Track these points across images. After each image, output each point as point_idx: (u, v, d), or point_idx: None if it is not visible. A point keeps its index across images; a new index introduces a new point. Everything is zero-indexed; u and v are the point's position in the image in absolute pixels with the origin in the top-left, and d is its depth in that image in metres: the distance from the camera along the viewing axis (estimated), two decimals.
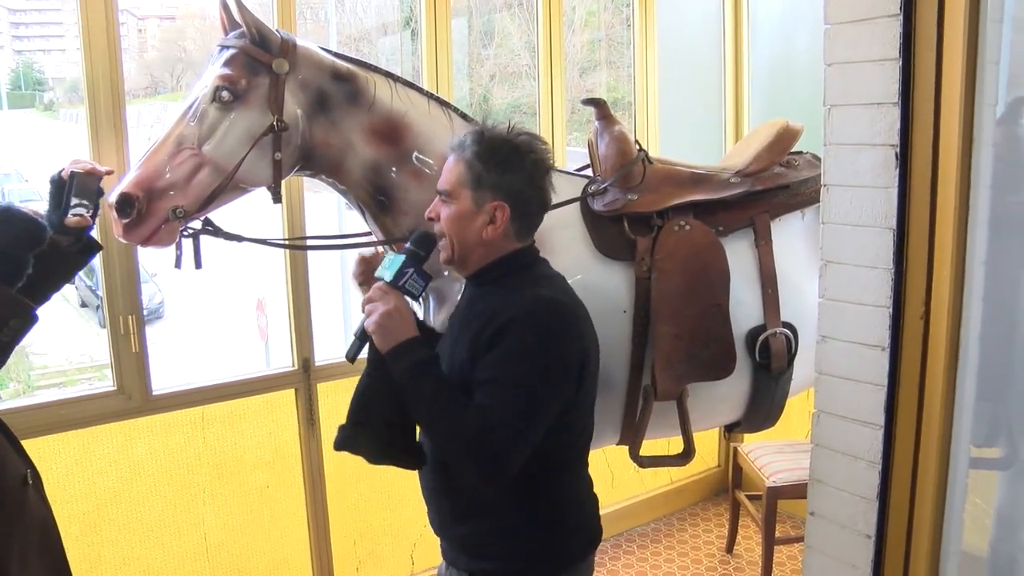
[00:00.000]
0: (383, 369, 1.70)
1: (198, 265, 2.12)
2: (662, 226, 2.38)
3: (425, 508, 1.89)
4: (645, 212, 2.38)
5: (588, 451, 1.86)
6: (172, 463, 2.72)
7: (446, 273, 2.13)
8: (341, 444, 1.79)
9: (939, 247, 1.79)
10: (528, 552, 1.76)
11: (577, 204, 2.38)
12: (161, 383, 2.66)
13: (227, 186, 2.05)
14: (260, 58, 2.05)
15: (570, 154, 3.53)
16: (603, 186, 2.40)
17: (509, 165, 1.69)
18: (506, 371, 1.61)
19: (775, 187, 2.51)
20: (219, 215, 2.14)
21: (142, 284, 2.61)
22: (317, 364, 2.92)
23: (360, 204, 2.26)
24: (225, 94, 2.03)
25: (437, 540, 1.89)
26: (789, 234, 2.52)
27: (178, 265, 2.12)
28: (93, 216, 1.94)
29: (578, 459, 1.83)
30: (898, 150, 1.82)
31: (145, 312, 2.65)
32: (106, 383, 2.64)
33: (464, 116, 2.30)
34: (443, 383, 1.65)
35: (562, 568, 1.81)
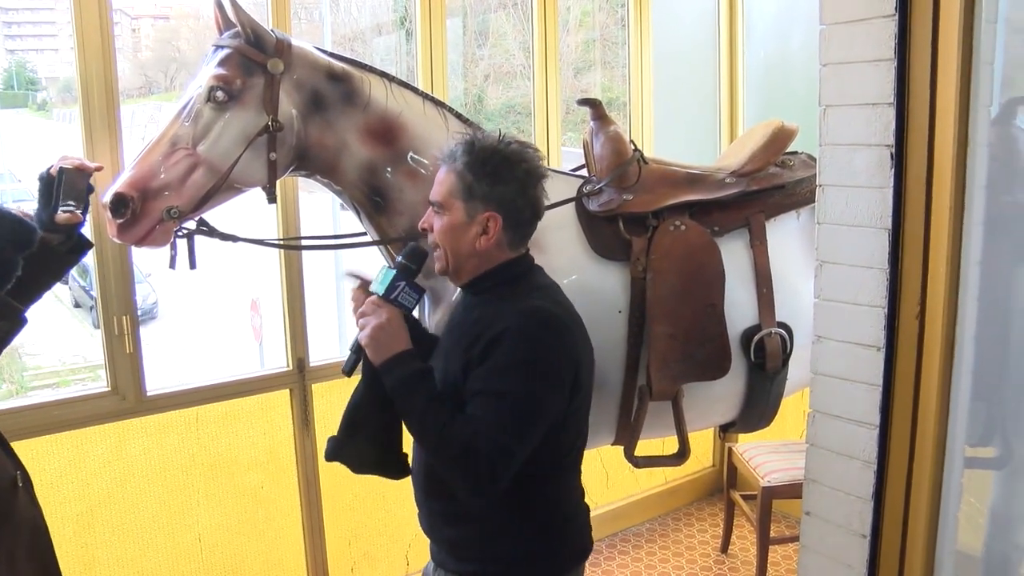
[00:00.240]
0: (376, 381, 1.71)
1: (192, 265, 2.11)
2: (657, 226, 2.38)
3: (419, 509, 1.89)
4: (640, 212, 2.38)
5: (581, 460, 1.86)
6: (166, 464, 2.71)
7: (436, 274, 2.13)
8: (332, 455, 1.81)
9: (934, 247, 1.79)
10: (517, 555, 1.76)
11: (572, 204, 2.38)
12: (155, 384, 2.65)
13: (222, 186, 2.04)
14: (255, 58, 2.05)
15: (565, 154, 3.53)
16: (598, 186, 2.40)
17: (500, 175, 1.69)
18: (497, 383, 1.61)
19: (770, 187, 2.51)
20: (213, 215, 2.14)
21: (136, 284, 2.60)
22: (311, 365, 2.92)
23: (355, 204, 2.26)
24: (220, 94, 2.02)
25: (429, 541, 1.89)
26: (784, 234, 2.52)
27: (172, 265, 2.11)
28: (83, 213, 1.93)
29: (570, 468, 1.83)
30: (893, 150, 1.82)
31: (139, 312, 2.65)
32: (100, 384, 2.63)
33: (459, 116, 2.30)
34: (434, 395, 1.64)
35: (552, 572, 1.81)
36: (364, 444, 1.80)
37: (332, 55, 2.20)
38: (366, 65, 2.23)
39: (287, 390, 2.90)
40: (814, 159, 2.21)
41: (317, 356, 2.94)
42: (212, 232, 2.14)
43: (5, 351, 1.81)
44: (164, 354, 7.85)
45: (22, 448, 1.91)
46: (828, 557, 2.04)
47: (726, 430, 2.70)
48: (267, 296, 7.82)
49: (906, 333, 1.85)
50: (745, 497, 3.56)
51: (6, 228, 1.72)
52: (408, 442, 1.82)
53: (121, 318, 2.53)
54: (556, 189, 2.09)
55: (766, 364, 2.43)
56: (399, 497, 3.10)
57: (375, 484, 3.08)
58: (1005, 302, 1.88)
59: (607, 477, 3.76)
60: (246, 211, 2.36)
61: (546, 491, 1.75)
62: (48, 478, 2.46)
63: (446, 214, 1.71)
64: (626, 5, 3.75)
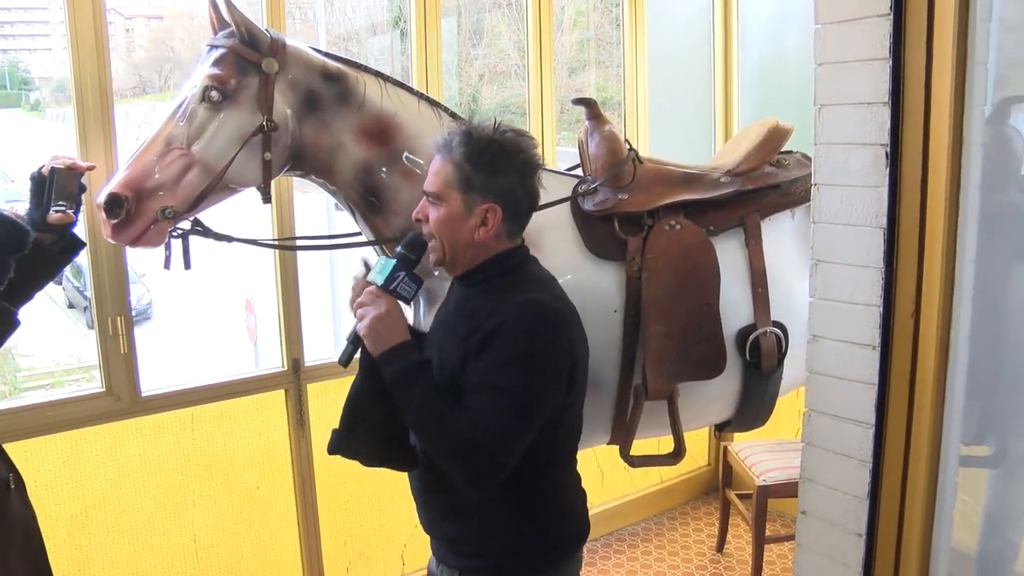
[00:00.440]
0: (375, 373, 1.69)
1: (187, 266, 2.11)
2: (652, 226, 2.38)
3: (415, 508, 1.89)
4: (635, 212, 2.38)
5: (576, 449, 1.86)
6: (161, 465, 2.70)
7: (436, 273, 2.12)
8: (335, 448, 1.78)
9: (929, 246, 1.79)
10: (516, 549, 1.76)
11: (567, 204, 2.38)
12: (150, 384, 2.64)
13: (216, 186, 2.04)
14: (249, 58, 2.05)
15: (560, 154, 3.53)
16: (593, 186, 2.40)
17: (499, 166, 1.68)
18: (495, 376, 1.60)
19: (765, 186, 2.51)
20: (208, 215, 2.13)
21: (130, 285, 2.59)
22: (307, 365, 2.91)
23: (350, 204, 2.25)
24: (214, 94, 2.02)
25: (427, 540, 1.89)
26: (779, 233, 2.53)
27: (167, 266, 2.11)
28: (75, 213, 1.93)
29: (567, 457, 1.83)
30: (888, 149, 1.82)
31: (133, 313, 2.64)
32: (94, 384, 2.62)
33: (454, 115, 2.30)
34: (433, 387, 1.64)
35: (551, 564, 1.81)
36: (366, 437, 1.78)
37: (327, 55, 2.19)
38: (361, 65, 2.22)
39: (282, 390, 2.90)
40: (809, 158, 2.21)
41: (312, 356, 2.94)
42: (207, 232, 2.13)
43: None
44: (159, 355, 7.82)
45: (16, 450, 1.91)
46: (824, 556, 2.04)
47: (721, 429, 2.70)
48: (262, 296, 7.82)
49: (901, 332, 1.86)
50: (741, 496, 3.57)
51: None
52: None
53: (115, 318, 2.52)
54: (551, 188, 2.09)
55: (761, 363, 2.43)
56: (395, 497, 3.10)
57: (371, 484, 3.09)
58: (999, 301, 1.88)
59: (603, 476, 3.77)
60: (241, 211, 2.36)
61: (543, 485, 1.75)
62: (42, 479, 2.46)
63: (443, 205, 1.69)
64: (621, 5, 3.76)
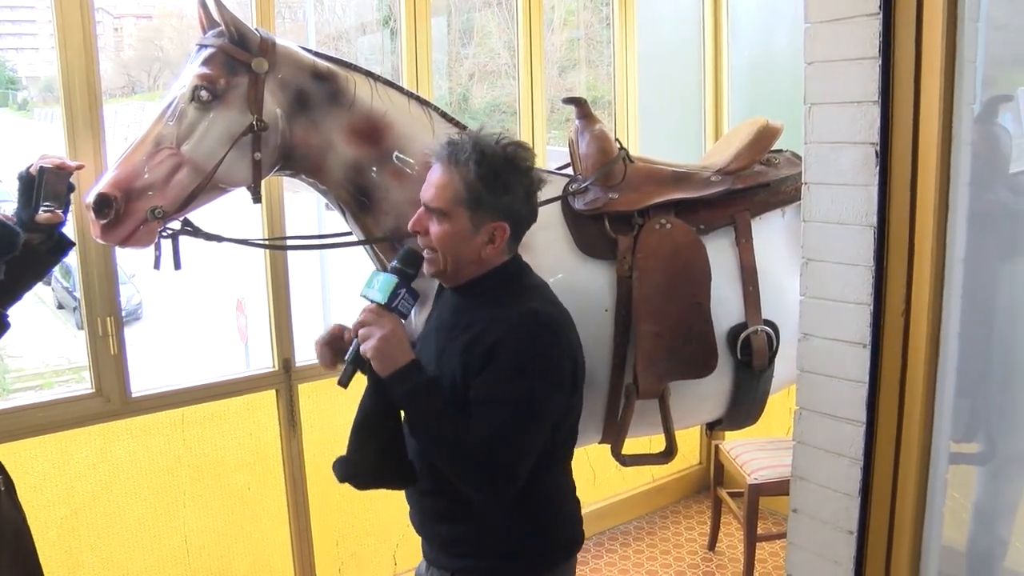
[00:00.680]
0: (380, 393, 1.66)
1: (177, 266, 2.10)
2: (643, 225, 2.38)
3: (407, 508, 1.89)
4: (626, 211, 2.38)
5: (572, 454, 1.86)
6: (152, 466, 2.69)
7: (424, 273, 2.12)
8: (347, 475, 1.72)
9: (919, 244, 1.80)
10: (509, 552, 1.77)
11: (558, 203, 2.38)
12: (140, 385, 2.63)
13: (206, 186, 2.03)
14: (239, 57, 2.04)
15: (550, 153, 3.54)
16: (584, 185, 2.40)
17: (509, 186, 1.67)
18: (503, 388, 1.60)
19: (756, 185, 2.52)
20: (198, 215, 2.13)
21: (120, 285, 2.58)
22: (298, 365, 2.91)
23: (340, 204, 2.25)
24: (204, 93, 2.01)
25: (419, 541, 1.89)
26: (770, 232, 2.53)
27: (157, 266, 2.10)
28: (64, 212, 1.92)
29: (563, 462, 1.84)
30: (878, 148, 1.83)
31: (123, 313, 2.63)
32: (84, 385, 2.61)
33: (445, 115, 2.29)
34: (446, 405, 1.63)
35: (546, 566, 1.81)
36: (376, 456, 1.72)
37: (317, 54, 2.19)
38: (351, 64, 2.22)
39: (273, 391, 2.89)
40: (799, 157, 2.21)
41: (303, 356, 2.92)
42: (197, 232, 2.12)
43: None
44: (149, 355, 7.79)
45: (5, 452, 1.90)
46: (815, 553, 2.04)
47: (713, 428, 2.70)
48: (252, 296, 7.79)
49: (891, 330, 1.86)
50: (732, 494, 3.57)
51: None
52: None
53: (105, 319, 2.51)
54: (542, 188, 2.09)
55: (752, 362, 2.44)
56: (387, 497, 3.07)
57: None
58: (988, 299, 1.89)
59: (594, 476, 3.77)
60: (231, 211, 2.35)
61: (539, 488, 1.75)
62: (31, 481, 2.44)
63: (447, 221, 1.66)
64: (611, 4, 3.76)
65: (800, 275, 2.03)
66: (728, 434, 3.63)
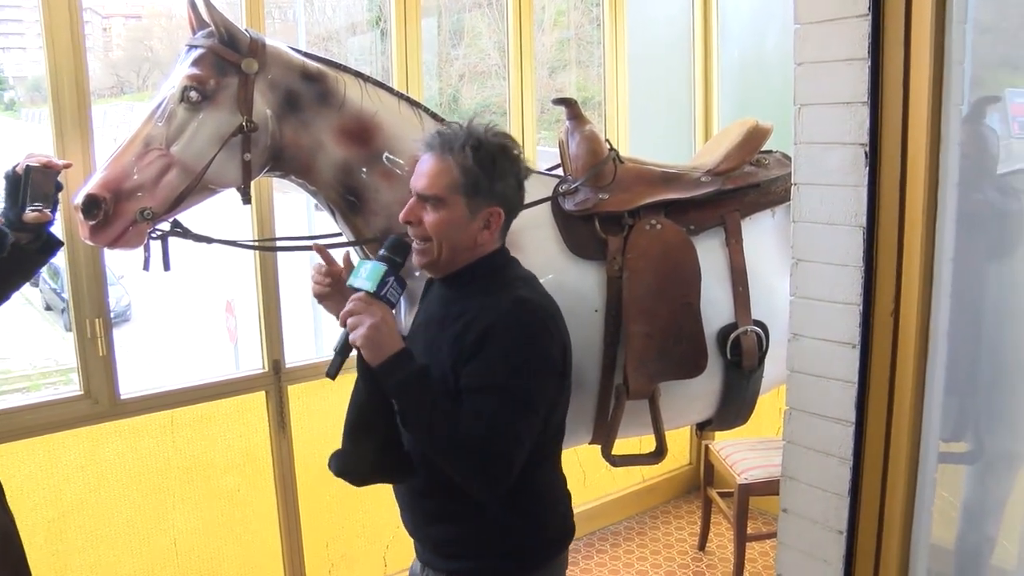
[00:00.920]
0: (372, 386, 1.65)
1: (166, 267, 2.10)
2: (633, 225, 2.39)
3: (397, 509, 1.88)
4: (616, 211, 2.39)
5: (561, 448, 1.86)
6: (141, 468, 2.68)
7: (417, 273, 2.11)
8: (342, 469, 1.71)
9: (908, 244, 1.80)
10: (502, 551, 1.76)
11: (548, 204, 2.38)
12: (129, 387, 2.62)
13: (196, 187, 2.02)
14: (229, 58, 2.03)
15: (540, 153, 3.54)
16: (574, 186, 2.41)
17: (504, 171, 1.68)
18: (495, 375, 1.60)
19: (745, 186, 2.53)
20: (187, 216, 2.12)
21: (109, 286, 2.57)
22: (287, 366, 2.90)
23: (330, 205, 2.25)
24: (193, 94, 2.00)
25: (410, 542, 1.88)
26: (760, 232, 2.54)
27: (146, 267, 2.09)
28: (52, 212, 1.90)
29: (553, 456, 1.83)
30: (867, 149, 1.83)
31: (112, 315, 2.61)
32: (72, 387, 2.59)
33: (434, 116, 2.29)
34: (439, 394, 1.61)
35: (537, 565, 1.81)
36: (371, 448, 1.70)
37: (306, 55, 2.18)
38: (341, 65, 2.21)
39: (263, 392, 2.88)
40: (789, 157, 2.23)
41: (293, 357, 2.92)
42: (186, 233, 2.12)
43: None
44: (138, 357, 7.77)
45: None
46: (805, 553, 2.05)
47: (703, 428, 2.71)
48: (242, 297, 7.77)
49: (881, 330, 1.87)
50: (722, 494, 3.58)
51: None
52: None
53: (94, 321, 2.50)
54: (532, 188, 2.09)
55: (742, 362, 2.44)
56: (377, 498, 3.08)
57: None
58: (977, 299, 1.90)
59: (584, 476, 3.77)
60: (220, 212, 2.34)
61: (530, 485, 1.73)
62: (19, 484, 2.43)
63: (444, 208, 1.66)
64: (601, 4, 3.76)
65: (790, 275, 2.04)
66: (718, 434, 3.63)
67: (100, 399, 2.54)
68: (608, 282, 2.35)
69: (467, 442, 1.57)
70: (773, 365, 2.47)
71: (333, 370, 1.65)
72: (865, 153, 1.84)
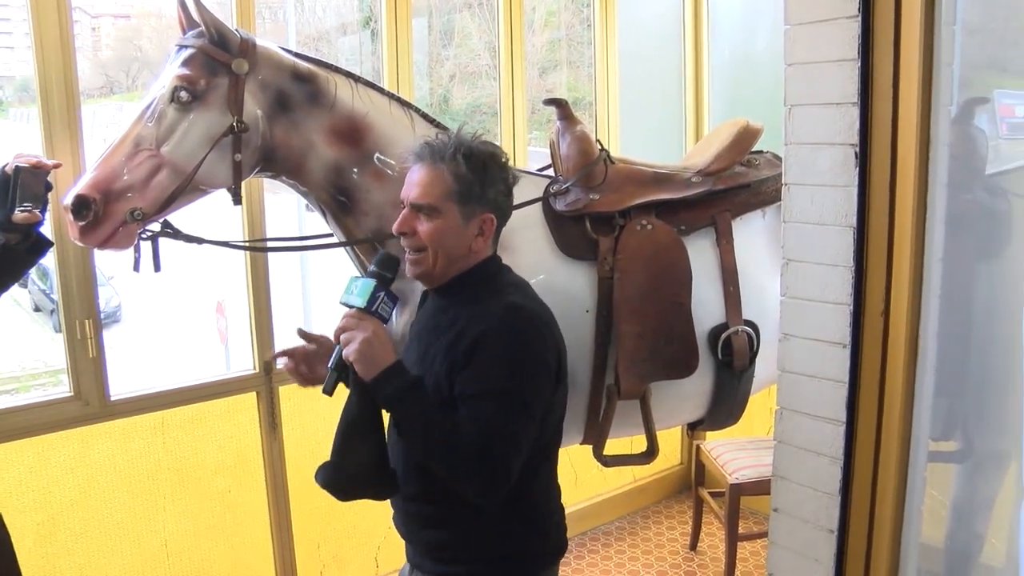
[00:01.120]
0: (365, 401, 1.65)
1: (157, 268, 2.09)
2: (624, 226, 2.39)
3: (388, 511, 1.88)
4: (607, 212, 2.39)
5: (557, 456, 1.86)
6: (131, 469, 2.67)
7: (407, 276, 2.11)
8: (331, 483, 1.69)
9: (898, 245, 1.81)
10: (495, 557, 1.76)
11: (539, 204, 2.38)
12: (119, 388, 2.61)
13: (186, 188, 2.01)
14: (219, 58, 2.03)
15: (531, 154, 3.54)
16: (565, 186, 2.41)
17: (495, 178, 1.70)
18: (490, 382, 1.60)
19: (736, 186, 2.53)
20: (178, 217, 2.11)
21: (99, 287, 2.56)
22: (278, 367, 2.89)
23: (321, 205, 2.24)
24: (183, 94, 2.00)
25: (401, 543, 1.88)
26: (750, 233, 2.55)
27: (136, 268, 2.08)
28: (42, 212, 1.89)
29: (548, 464, 1.83)
30: (857, 149, 1.84)
31: (102, 316, 2.60)
32: (62, 389, 2.58)
33: (425, 116, 2.29)
34: (433, 405, 1.62)
35: (530, 574, 1.81)
36: (362, 465, 1.70)
37: (297, 55, 2.18)
38: (332, 65, 2.21)
39: (254, 393, 2.87)
40: (779, 158, 2.23)
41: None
42: (177, 234, 2.11)
43: None
44: (128, 358, 7.74)
45: None
46: (796, 552, 2.05)
47: (694, 428, 2.71)
48: (233, 298, 7.75)
49: (871, 330, 1.88)
50: (713, 494, 3.58)
51: None
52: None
53: (83, 322, 2.48)
54: (523, 189, 2.09)
55: (733, 362, 2.45)
56: (368, 500, 3.08)
57: None
58: (966, 299, 1.91)
59: (576, 476, 3.77)
60: (211, 213, 2.34)
61: (526, 491, 1.73)
62: (8, 486, 2.42)
63: (438, 217, 1.67)
64: (591, 5, 3.76)
65: (780, 275, 2.04)
66: (709, 434, 3.64)
67: (90, 400, 2.53)
68: (599, 282, 2.35)
69: (464, 449, 1.57)
70: (764, 365, 2.48)
71: (329, 387, 1.67)
72: (855, 154, 1.85)
